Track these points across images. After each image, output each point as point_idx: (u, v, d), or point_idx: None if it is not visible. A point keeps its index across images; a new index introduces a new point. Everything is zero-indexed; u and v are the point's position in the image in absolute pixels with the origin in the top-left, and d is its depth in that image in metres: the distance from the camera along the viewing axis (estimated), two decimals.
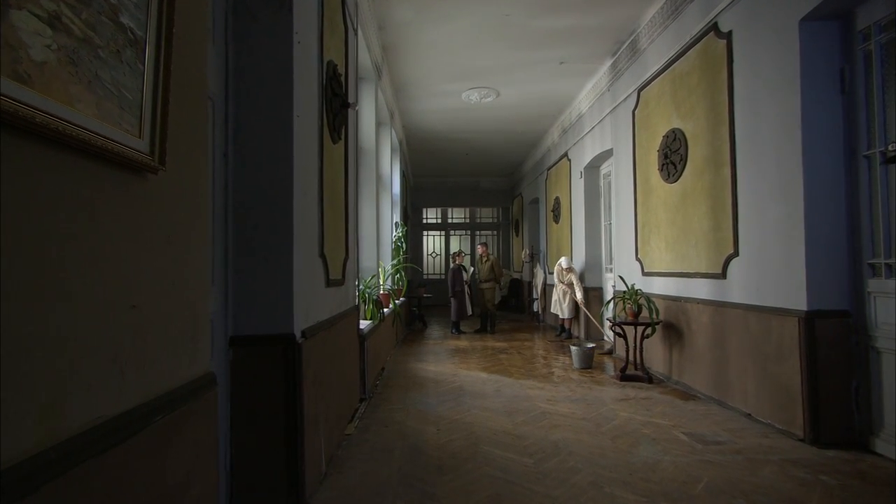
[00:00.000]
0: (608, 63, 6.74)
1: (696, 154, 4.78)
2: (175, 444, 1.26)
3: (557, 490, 2.73)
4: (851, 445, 3.27)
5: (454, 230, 16.44)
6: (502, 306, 12.67)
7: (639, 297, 5.39)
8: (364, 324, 4.93)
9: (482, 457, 3.23)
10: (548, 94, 8.04)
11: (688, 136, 4.93)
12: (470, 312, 9.58)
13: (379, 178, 7.28)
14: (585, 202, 8.36)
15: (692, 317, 4.87)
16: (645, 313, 5.38)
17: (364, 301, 5.34)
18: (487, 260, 9.67)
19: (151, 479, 1.14)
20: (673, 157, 5.17)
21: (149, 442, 1.13)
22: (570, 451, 3.29)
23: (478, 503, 2.60)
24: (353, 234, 4.38)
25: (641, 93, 5.98)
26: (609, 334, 6.99)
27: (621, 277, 5.88)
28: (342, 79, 3.77)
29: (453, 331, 9.43)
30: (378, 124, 7.03)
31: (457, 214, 16.58)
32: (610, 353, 6.97)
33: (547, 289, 9.17)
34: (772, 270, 3.73)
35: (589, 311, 8.20)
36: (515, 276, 14.05)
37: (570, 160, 9.08)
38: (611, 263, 7.81)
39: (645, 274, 5.90)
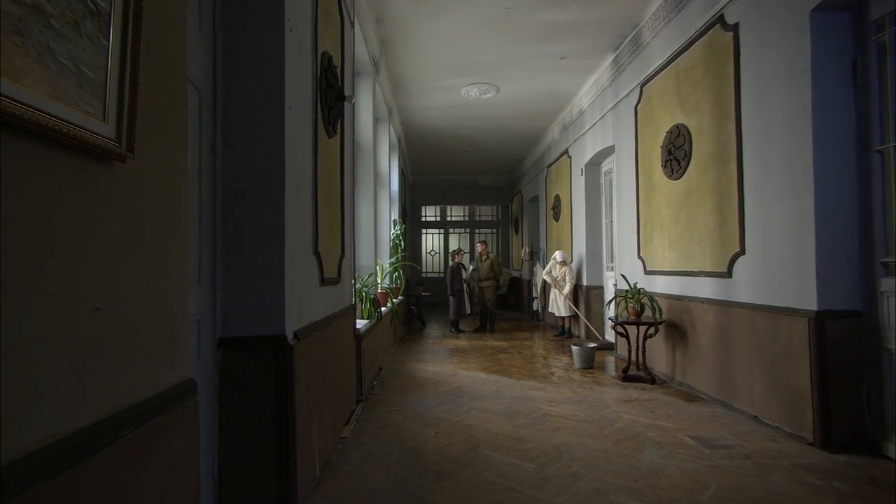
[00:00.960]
0: (610, 58, 6.63)
1: (701, 150, 4.67)
2: (147, 459, 1.15)
3: (560, 497, 2.62)
4: (863, 450, 3.17)
5: (453, 228, 16.33)
6: (501, 305, 12.56)
7: (641, 296, 5.28)
8: (361, 323, 4.82)
9: (482, 461, 3.13)
10: (548, 89, 7.93)
11: (692, 131, 4.82)
12: (469, 311, 9.47)
13: (377, 174, 7.16)
14: (586, 200, 8.25)
15: (696, 316, 4.77)
16: (648, 312, 5.27)
17: (361, 300, 5.23)
18: (487, 258, 9.56)
19: (117, 500, 1.02)
20: (677, 154, 5.06)
21: (115, 459, 1.02)
22: (572, 456, 3.19)
23: None
24: (349, 232, 4.27)
25: (644, 88, 5.86)
26: (606, 334, 6.91)
27: (624, 276, 5.77)
28: (338, 71, 3.65)
29: (452, 330, 9.32)
30: (376, 120, 6.91)
31: (456, 212, 16.46)
32: (610, 348, 6.93)
33: (546, 287, 9.06)
34: (780, 269, 3.63)
35: (575, 307, 8.22)
36: (515, 274, 13.95)
37: (570, 157, 8.97)
38: (612, 262, 7.71)
39: (647, 272, 5.80)
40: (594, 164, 8.19)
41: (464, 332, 9.27)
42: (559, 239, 9.76)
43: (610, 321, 5.76)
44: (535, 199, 12.24)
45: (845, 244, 3.27)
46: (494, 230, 16.29)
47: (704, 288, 4.63)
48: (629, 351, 5.42)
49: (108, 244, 1.04)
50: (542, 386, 5.10)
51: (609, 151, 7.47)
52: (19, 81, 0.79)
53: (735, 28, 4.12)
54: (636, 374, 5.27)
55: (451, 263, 9.61)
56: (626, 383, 5.16)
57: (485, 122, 9.59)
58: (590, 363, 5.95)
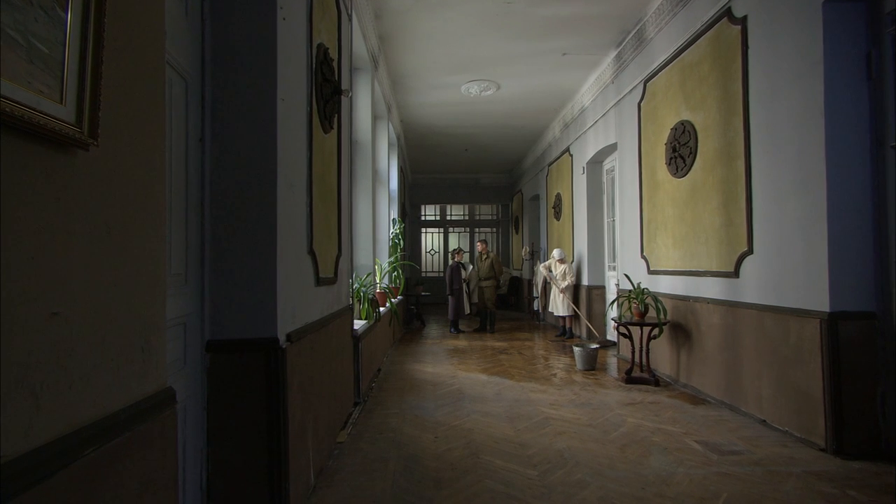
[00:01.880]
0: (613, 54, 6.51)
1: (707, 147, 4.56)
2: (115, 479, 1.04)
3: None
4: (878, 456, 3.06)
5: (453, 227, 16.22)
6: (502, 305, 12.45)
7: (645, 296, 5.17)
8: (359, 324, 4.71)
9: (483, 468, 3.02)
10: (549, 86, 7.81)
11: (698, 128, 4.71)
12: (468, 311, 9.36)
13: (375, 173, 7.05)
14: (588, 198, 8.15)
15: (701, 317, 4.66)
16: (652, 313, 5.16)
17: (359, 300, 5.12)
18: (487, 257, 9.45)
19: None
20: (682, 151, 4.94)
21: (75, 482, 0.91)
22: (576, 462, 3.08)
23: None
24: (346, 231, 4.16)
25: (648, 84, 5.75)
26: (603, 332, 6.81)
27: (627, 276, 5.66)
28: (334, 65, 3.54)
29: (452, 330, 9.21)
30: (375, 118, 6.80)
31: (456, 211, 16.35)
32: (610, 345, 6.92)
33: (547, 287, 8.96)
34: (790, 269, 3.52)
35: (576, 306, 8.20)
36: (515, 273, 13.83)
37: (571, 155, 8.86)
38: (614, 261, 7.60)
39: (651, 272, 5.69)
40: (596, 163, 8.08)
41: (463, 332, 9.17)
42: (560, 238, 9.65)
43: (613, 322, 5.65)
44: (536, 198, 12.13)
45: (859, 243, 3.16)
46: (494, 229, 16.18)
47: (710, 288, 4.52)
48: (632, 352, 5.31)
49: (68, 241, 0.93)
50: (544, 388, 4.99)
51: (611, 149, 7.36)
52: None
53: (743, 21, 4.01)
54: (640, 375, 5.16)
55: (450, 263, 9.49)
56: (629, 385, 5.05)
57: (485, 120, 9.48)
58: (592, 364, 5.84)
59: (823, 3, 3.20)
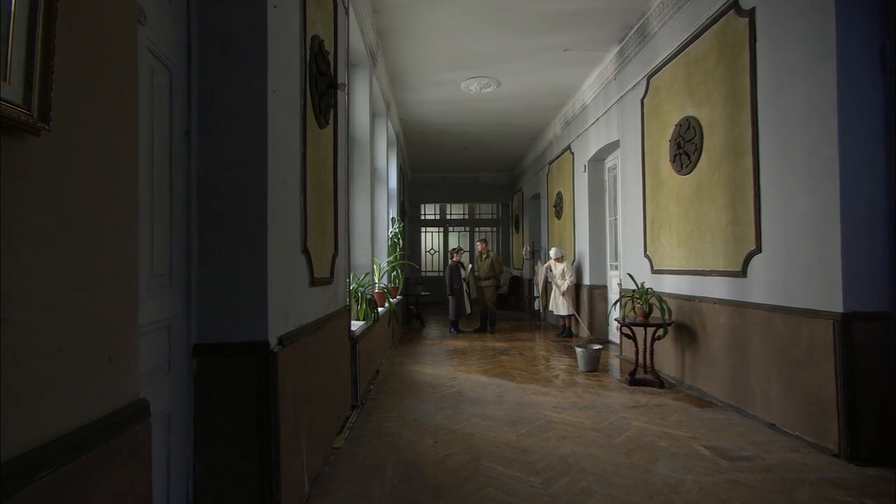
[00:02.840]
0: (615, 50, 6.40)
1: (713, 143, 4.45)
2: (77, 502, 0.93)
3: None
4: (893, 463, 2.94)
5: (453, 226, 16.11)
6: (502, 305, 12.34)
7: (650, 296, 5.06)
8: (356, 325, 4.60)
9: (484, 475, 2.91)
10: (550, 83, 7.70)
11: (703, 124, 4.60)
12: (468, 311, 9.25)
13: (374, 171, 6.94)
14: (589, 197, 8.04)
15: (707, 317, 4.55)
16: (656, 313, 5.05)
17: (357, 300, 5.01)
18: (487, 257, 9.34)
19: None
20: (686, 147, 4.83)
21: None
22: (581, 469, 2.97)
23: None
24: (343, 229, 4.05)
25: (651, 80, 5.64)
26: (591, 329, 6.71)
27: (630, 276, 5.55)
28: (330, 58, 3.43)
29: (452, 330, 9.10)
30: (373, 115, 6.68)
31: (455, 210, 16.24)
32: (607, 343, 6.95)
33: (548, 286, 8.86)
34: (801, 268, 3.41)
35: (570, 303, 8.12)
36: (516, 273, 13.72)
37: (573, 153, 8.75)
38: (616, 260, 7.50)
39: (654, 272, 5.58)
40: (598, 161, 7.97)
41: (464, 332, 9.05)
42: (561, 237, 9.54)
43: (616, 322, 5.54)
44: (537, 197, 12.02)
45: (873, 241, 3.05)
46: (495, 228, 16.07)
47: (716, 288, 4.41)
48: (636, 353, 5.20)
49: (17, 238, 0.82)
50: (546, 390, 4.88)
51: (613, 147, 7.25)
52: None
53: (751, 13, 3.90)
54: (644, 377, 5.06)
55: (450, 262, 9.37)
56: (633, 387, 4.95)
57: (485, 118, 9.37)
58: (594, 366, 5.73)
59: None
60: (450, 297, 9.11)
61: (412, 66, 7.04)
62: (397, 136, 9.50)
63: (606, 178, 7.91)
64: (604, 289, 7.86)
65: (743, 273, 4.01)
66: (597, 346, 5.88)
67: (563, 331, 8.42)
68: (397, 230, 8.07)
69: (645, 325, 5.00)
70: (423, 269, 15.29)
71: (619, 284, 6.71)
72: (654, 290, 5.17)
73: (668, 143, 5.19)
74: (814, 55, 3.28)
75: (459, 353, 7.02)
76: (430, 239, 15.94)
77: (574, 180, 8.68)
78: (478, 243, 9.72)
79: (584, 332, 7.89)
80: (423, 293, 10.49)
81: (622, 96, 6.48)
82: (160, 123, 1.85)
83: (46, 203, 0.89)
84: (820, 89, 3.23)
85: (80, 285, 0.98)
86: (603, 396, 4.62)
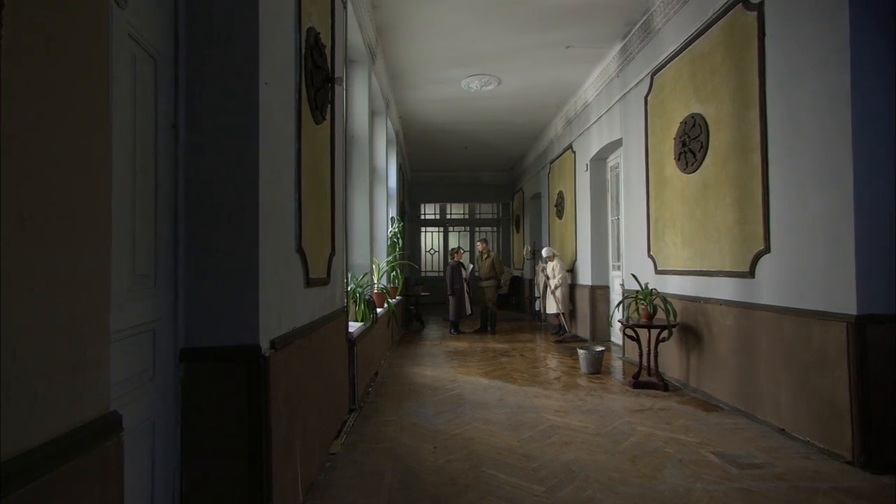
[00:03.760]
0: (618, 46, 6.30)
1: (719, 140, 4.35)
2: None
3: None
4: None
5: (453, 226, 16.00)
6: (502, 305, 12.23)
7: (654, 296, 4.96)
8: (354, 326, 4.49)
9: (485, 483, 2.81)
10: (552, 81, 7.59)
11: (709, 121, 4.49)
12: (469, 311, 9.14)
13: (373, 169, 6.84)
14: (591, 196, 7.93)
15: (713, 319, 4.45)
16: (660, 314, 4.95)
17: (355, 301, 4.91)
18: (488, 257, 9.24)
19: None
20: (692, 145, 4.73)
21: None
22: (585, 476, 2.87)
23: None
24: (341, 229, 3.94)
25: (655, 77, 5.54)
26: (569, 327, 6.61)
27: (634, 276, 5.45)
28: (326, 51, 3.33)
29: (452, 331, 9.00)
30: (372, 113, 6.59)
31: (456, 210, 16.13)
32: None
33: (547, 287, 8.77)
34: (813, 269, 3.31)
35: (562, 304, 8.17)
36: (516, 273, 13.61)
37: (574, 152, 8.64)
38: (618, 261, 7.39)
39: (658, 272, 5.48)
40: (600, 159, 7.87)
41: (464, 333, 8.95)
42: (562, 237, 9.44)
43: (619, 323, 5.43)
44: (538, 197, 11.91)
45: (888, 240, 2.95)
46: (495, 228, 15.96)
47: (723, 289, 4.30)
48: (640, 355, 5.10)
49: None
50: (548, 393, 4.78)
51: (616, 145, 7.15)
52: None
53: (759, 7, 3.79)
54: (648, 380, 4.95)
55: (450, 262, 9.25)
56: (637, 390, 4.84)
57: (485, 116, 9.26)
58: (597, 368, 5.63)
59: None
60: (450, 298, 9.00)
61: (412, 64, 6.94)
62: (397, 135, 9.39)
63: (609, 177, 7.81)
64: (606, 289, 7.77)
65: (751, 273, 3.91)
66: (599, 348, 5.77)
67: (558, 330, 8.39)
68: (397, 230, 7.96)
69: (649, 327, 4.90)
70: (423, 269, 15.18)
71: (622, 285, 6.61)
72: (659, 290, 5.07)
73: (673, 141, 5.09)
74: (825, 49, 3.18)
75: (459, 355, 6.91)
76: (430, 239, 15.84)
77: (576, 179, 8.58)
78: (478, 243, 9.62)
79: (566, 328, 8.13)
80: (422, 294, 10.39)
81: (625, 94, 6.38)
82: (144, 115, 1.74)
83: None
84: (832, 84, 3.13)
85: (35, 284, 0.87)
86: (606, 399, 4.52)
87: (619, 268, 7.32)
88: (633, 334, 5.10)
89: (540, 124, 9.93)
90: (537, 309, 10.55)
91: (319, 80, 3.09)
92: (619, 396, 4.63)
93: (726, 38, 4.22)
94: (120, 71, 1.56)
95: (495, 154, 12.56)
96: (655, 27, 5.40)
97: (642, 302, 4.97)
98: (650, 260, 5.67)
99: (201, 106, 2.01)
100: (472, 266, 10.69)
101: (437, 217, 15.98)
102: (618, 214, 7.42)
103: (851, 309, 2.98)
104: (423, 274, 14.76)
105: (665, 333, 4.74)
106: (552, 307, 8.41)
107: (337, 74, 3.62)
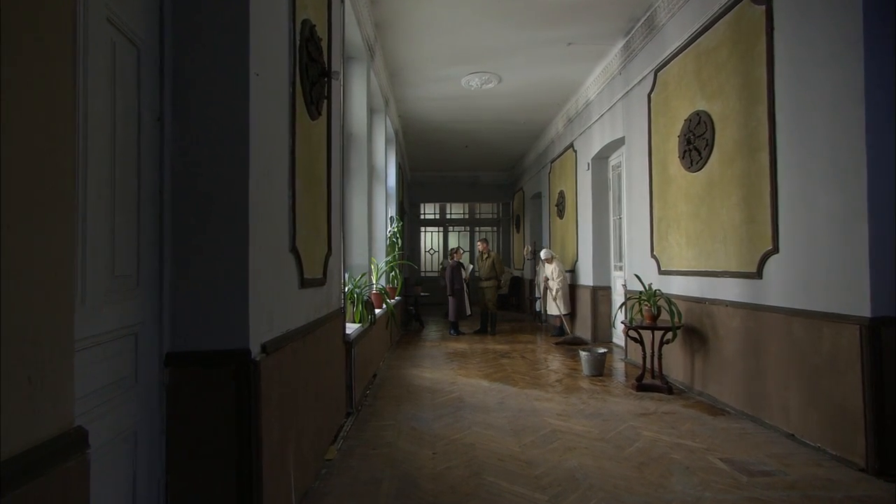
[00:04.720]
0: (620, 43, 6.20)
1: (726, 138, 4.25)
2: None
3: None
4: None
5: (453, 226, 15.90)
6: (503, 306, 12.13)
7: (658, 298, 4.86)
8: (352, 328, 4.39)
9: (486, 491, 2.71)
10: (553, 79, 7.49)
11: (715, 118, 4.39)
12: (469, 312, 9.04)
13: (372, 168, 6.74)
14: (593, 196, 7.83)
15: (719, 321, 4.35)
16: (664, 316, 4.85)
17: (353, 302, 4.81)
18: (488, 257, 9.14)
19: None
20: (697, 143, 4.63)
21: None
22: (590, 484, 2.77)
23: None
24: (337, 228, 3.85)
25: (659, 74, 5.44)
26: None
27: (637, 276, 5.35)
28: (323, 45, 3.23)
29: (452, 332, 8.89)
30: (371, 111, 6.49)
31: (455, 210, 16.03)
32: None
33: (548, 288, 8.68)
34: (823, 269, 3.21)
35: (562, 306, 8.11)
36: (517, 273, 13.51)
37: (575, 151, 8.54)
38: (620, 261, 7.29)
39: (661, 272, 5.38)
40: (601, 158, 7.77)
41: (464, 333, 8.85)
42: (563, 237, 9.34)
43: (622, 325, 5.33)
44: (538, 196, 11.81)
45: None
46: (495, 228, 15.87)
47: (729, 290, 4.21)
48: (644, 357, 5.00)
49: None
50: (550, 396, 4.68)
51: (618, 144, 7.05)
52: None
53: (767, 1, 3.69)
54: (651, 382, 4.85)
55: (450, 262, 9.13)
56: (640, 393, 4.74)
57: (486, 115, 9.16)
58: (599, 370, 5.53)
59: None
60: (450, 298, 8.90)
61: (411, 61, 6.84)
62: (396, 134, 9.29)
63: (610, 176, 7.71)
64: (608, 290, 7.67)
65: (758, 274, 3.81)
66: (601, 350, 5.67)
67: (559, 331, 8.29)
68: (396, 229, 7.86)
69: (653, 329, 4.80)
70: (423, 269, 15.08)
71: (624, 286, 6.51)
72: (662, 291, 4.97)
73: (677, 139, 4.99)
74: (838, 43, 3.08)
75: (459, 356, 6.81)
76: (430, 239, 15.74)
77: (577, 179, 8.48)
78: (478, 243, 9.53)
79: (567, 331, 8.07)
80: (422, 294, 10.29)
81: (628, 91, 6.28)
82: (124, 107, 1.64)
83: None
84: (844, 79, 3.03)
85: None
86: (609, 403, 4.42)
87: (621, 268, 7.22)
88: (637, 336, 5.00)
89: (541, 123, 9.83)
90: (538, 309, 10.45)
91: (315, 74, 2.99)
92: (623, 399, 4.53)
93: (733, 32, 4.12)
94: (96, 57, 1.46)
95: (495, 153, 12.46)
96: (659, 23, 5.30)
97: (646, 303, 4.87)
98: (653, 260, 5.57)
99: (188, 97, 1.91)
100: (472, 266, 10.59)
101: (437, 217, 15.88)
102: (620, 214, 7.33)
103: (865, 311, 2.88)
104: (422, 274, 14.66)
105: (669, 335, 4.65)
106: (553, 309, 8.32)
107: (334, 69, 3.52)
